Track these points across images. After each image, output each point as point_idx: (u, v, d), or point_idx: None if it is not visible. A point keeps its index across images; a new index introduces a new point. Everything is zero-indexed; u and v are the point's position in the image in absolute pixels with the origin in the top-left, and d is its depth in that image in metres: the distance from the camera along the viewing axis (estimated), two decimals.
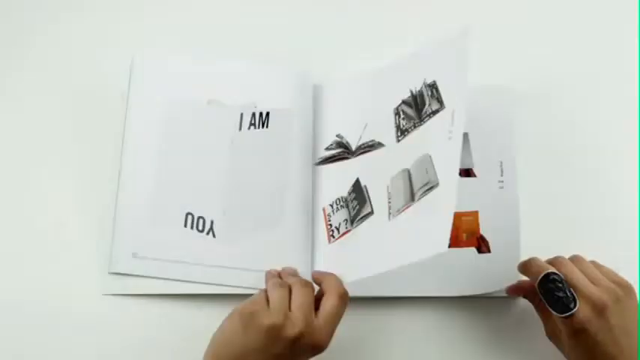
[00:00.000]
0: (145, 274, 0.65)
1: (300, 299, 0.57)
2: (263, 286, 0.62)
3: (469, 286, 0.66)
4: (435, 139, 0.60)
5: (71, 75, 0.72)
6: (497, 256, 0.66)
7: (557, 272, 0.57)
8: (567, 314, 0.56)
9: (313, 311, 0.57)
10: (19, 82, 0.72)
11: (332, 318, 0.57)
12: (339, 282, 0.59)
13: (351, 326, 0.65)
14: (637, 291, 0.57)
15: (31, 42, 0.73)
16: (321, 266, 0.65)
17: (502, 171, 0.68)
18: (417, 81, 0.64)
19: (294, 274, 0.64)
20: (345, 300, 0.58)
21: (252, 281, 0.64)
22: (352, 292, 0.64)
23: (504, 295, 0.65)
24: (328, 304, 0.57)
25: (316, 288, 0.60)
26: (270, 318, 0.55)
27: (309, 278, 0.63)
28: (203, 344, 0.61)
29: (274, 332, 0.55)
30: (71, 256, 0.66)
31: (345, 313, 0.64)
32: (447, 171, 0.58)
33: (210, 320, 0.62)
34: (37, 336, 0.64)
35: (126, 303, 0.65)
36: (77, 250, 0.66)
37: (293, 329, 0.55)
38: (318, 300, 0.58)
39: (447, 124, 0.60)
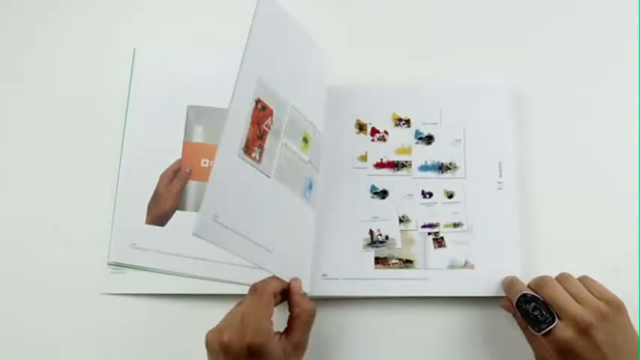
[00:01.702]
0: (143, 266, 0.66)
1: (245, 310, 0.57)
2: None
3: (468, 287, 0.66)
4: (478, 186, 0.68)
5: (72, 71, 0.73)
6: (496, 258, 0.66)
7: (532, 293, 0.59)
8: (544, 331, 0.57)
9: (263, 318, 0.56)
10: (19, 80, 0.73)
11: (301, 328, 0.58)
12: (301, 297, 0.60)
13: (351, 326, 0.67)
14: (637, 295, 0.58)
15: (30, 40, 0.74)
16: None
17: (501, 172, 0.68)
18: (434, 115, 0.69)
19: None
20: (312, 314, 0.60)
21: (248, 277, 0.64)
22: (351, 292, 0.66)
23: (504, 295, 0.65)
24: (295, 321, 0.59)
25: None
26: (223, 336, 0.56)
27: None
28: (200, 343, 0.62)
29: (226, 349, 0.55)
30: (70, 255, 0.68)
31: (345, 313, 0.67)
32: (505, 217, 0.67)
33: (210, 320, 0.63)
34: (37, 336, 0.66)
35: (124, 302, 0.66)
36: (76, 248, 0.68)
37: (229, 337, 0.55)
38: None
39: (493, 174, 0.68)
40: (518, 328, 0.63)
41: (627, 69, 0.73)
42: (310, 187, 0.65)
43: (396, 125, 0.70)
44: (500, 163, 0.68)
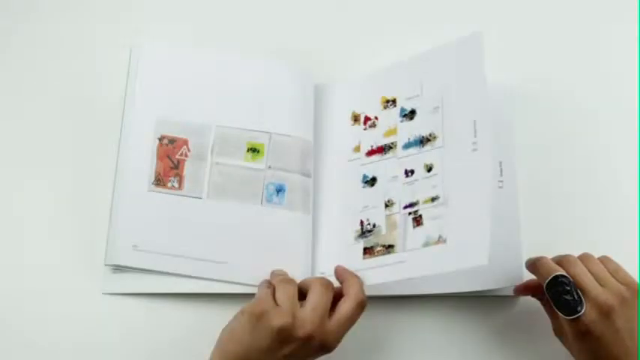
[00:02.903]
0: (144, 267, 0.65)
1: (316, 300, 0.57)
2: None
3: (469, 284, 0.64)
4: (454, 152, 0.62)
5: (68, 71, 0.73)
6: (498, 257, 0.64)
7: (565, 275, 0.57)
8: (574, 317, 0.56)
9: (327, 313, 0.57)
10: (15, 80, 0.73)
11: (345, 322, 0.57)
12: (360, 287, 0.59)
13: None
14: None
15: (28, 40, 0.74)
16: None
17: (501, 171, 0.68)
18: (416, 87, 0.67)
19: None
20: (363, 307, 0.59)
21: (251, 278, 0.64)
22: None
23: (505, 294, 0.64)
24: (345, 307, 0.58)
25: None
26: (280, 319, 0.55)
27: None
28: (201, 343, 0.62)
29: (284, 333, 0.55)
30: (69, 255, 0.67)
31: None
32: (478, 183, 0.60)
33: (213, 319, 0.63)
34: (37, 336, 0.65)
35: (125, 302, 0.66)
36: (76, 248, 0.67)
37: (303, 330, 0.55)
38: (337, 297, 0.59)
39: (468, 135, 0.61)
40: (520, 327, 0.64)
41: (627, 68, 0.73)
42: (278, 191, 0.66)
43: (384, 108, 0.68)
44: (500, 163, 0.68)
